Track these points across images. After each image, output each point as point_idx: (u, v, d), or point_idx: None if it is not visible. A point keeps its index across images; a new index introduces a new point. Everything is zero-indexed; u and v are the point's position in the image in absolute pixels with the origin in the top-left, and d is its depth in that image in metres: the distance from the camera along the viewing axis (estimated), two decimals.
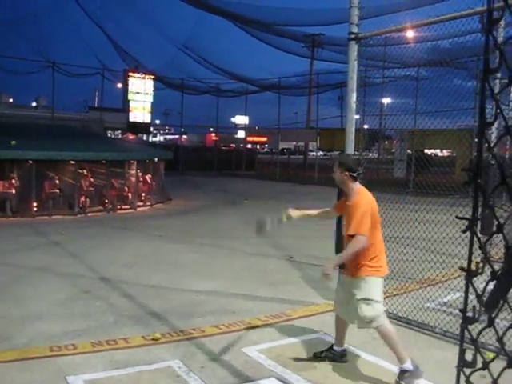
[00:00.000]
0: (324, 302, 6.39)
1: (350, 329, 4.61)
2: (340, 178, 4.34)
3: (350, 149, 6.16)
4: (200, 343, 4.94)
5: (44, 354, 4.57)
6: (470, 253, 1.57)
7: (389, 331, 4.19)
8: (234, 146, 47.33)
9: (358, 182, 4.38)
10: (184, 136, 49.32)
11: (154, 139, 62.45)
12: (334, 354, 4.60)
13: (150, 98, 42.17)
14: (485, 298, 1.53)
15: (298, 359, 4.64)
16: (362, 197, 4.28)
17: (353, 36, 6.00)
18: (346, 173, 4.28)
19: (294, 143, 60.43)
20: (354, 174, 4.29)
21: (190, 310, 6.01)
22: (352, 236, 4.14)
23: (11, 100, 43.32)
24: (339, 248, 6.18)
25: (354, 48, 6.02)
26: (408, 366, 4.07)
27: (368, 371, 4.43)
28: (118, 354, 4.63)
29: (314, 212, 4.79)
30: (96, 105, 43.96)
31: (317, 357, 4.64)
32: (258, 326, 5.47)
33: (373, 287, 4.20)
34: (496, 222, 1.51)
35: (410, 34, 6.95)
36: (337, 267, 4.43)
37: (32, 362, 4.41)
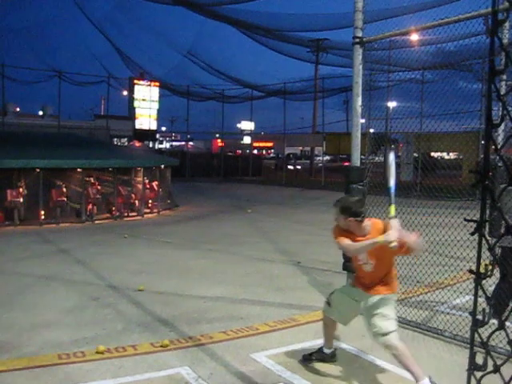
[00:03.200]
0: None
1: (361, 333, 4.58)
2: (345, 224, 4.07)
3: (357, 153, 6.15)
4: (208, 349, 4.93)
5: (52, 362, 4.57)
6: (479, 255, 1.57)
7: (402, 347, 3.92)
8: (240, 151, 47.37)
9: (366, 220, 4.10)
10: (190, 142, 49.44)
11: (161, 146, 62.68)
12: (324, 356, 4.59)
13: (156, 105, 42.34)
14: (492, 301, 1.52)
15: (306, 364, 4.62)
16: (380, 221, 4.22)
17: (357, 40, 6.01)
18: (351, 219, 4.01)
19: (301, 148, 60.44)
20: (359, 219, 4.02)
21: (199, 316, 6.00)
22: (382, 273, 4.13)
23: (18, 109, 43.68)
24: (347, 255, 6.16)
25: (358, 52, 6.03)
26: (426, 382, 3.79)
27: (379, 376, 4.40)
28: (127, 361, 4.63)
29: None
30: (102, 113, 44.18)
31: (306, 359, 4.60)
32: (266, 332, 5.46)
33: (390, 305, 4.12)
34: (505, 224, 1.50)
35: (414, 37, 6.94)
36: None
37: (40, 370, 4.41)
